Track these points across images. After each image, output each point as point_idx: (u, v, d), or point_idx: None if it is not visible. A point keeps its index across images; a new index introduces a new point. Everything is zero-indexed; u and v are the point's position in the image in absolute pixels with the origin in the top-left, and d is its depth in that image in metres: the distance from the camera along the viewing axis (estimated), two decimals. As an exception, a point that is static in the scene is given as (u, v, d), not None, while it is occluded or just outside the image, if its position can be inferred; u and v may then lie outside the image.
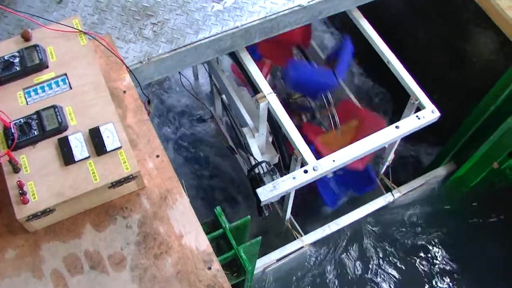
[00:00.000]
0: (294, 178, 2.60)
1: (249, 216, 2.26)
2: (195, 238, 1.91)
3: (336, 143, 3.18)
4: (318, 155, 2.79)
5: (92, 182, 1.82)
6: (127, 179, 1.87)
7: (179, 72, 3.76)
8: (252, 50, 3.00)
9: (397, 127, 2.75)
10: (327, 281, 3.76)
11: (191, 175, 4.26)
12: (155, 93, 4.57)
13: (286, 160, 3.43)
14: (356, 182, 3.68)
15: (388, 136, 2.74)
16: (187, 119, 4.58)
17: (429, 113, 2.79)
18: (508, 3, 2.88)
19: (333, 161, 2.64)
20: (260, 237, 2.22)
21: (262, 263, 3.54)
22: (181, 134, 4.52)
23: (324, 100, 3.46)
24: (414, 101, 2.85)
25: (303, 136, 2.77)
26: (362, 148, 2.69)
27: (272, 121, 3.21)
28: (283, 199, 3.46)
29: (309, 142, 2.83)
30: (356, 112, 3.50)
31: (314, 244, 3.73)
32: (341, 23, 4.53)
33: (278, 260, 3.60)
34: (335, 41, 4.84)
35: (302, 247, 3.66)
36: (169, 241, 1.89)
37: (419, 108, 2.88)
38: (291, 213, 3.60)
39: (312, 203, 4.05)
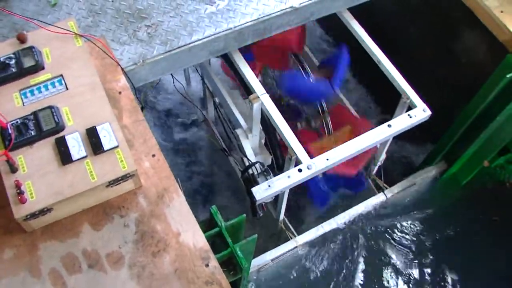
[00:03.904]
0: (288, 177, 2.62)
1: (244, 215, 2.28)
2: (192, 236, 1.93)
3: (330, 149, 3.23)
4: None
5: (90, 181, 1.83)
6: (124, 178, 1.89)
7: (172, 75, 3.78)
8: (244, 51, 3.02)
9: (389, 125, 2.79)
10: (321, 281, 3.77)
11: (184, 178, 4.27)
12: (146, 98, 4.59)
13: (279, 161, 3.45)
14: (346, 182, 3.70)
15: (380, 134, 2.77)
16: (179, 122, 4.60)
17: (421, 112, 2.83)
18: (496, 4, 2.94)
19: (327, 160, 2.67)
20: (256, 235, 2.24)
21: (256, 263, 3.56)
22: (173, 138, 4.54)
23: (318, 107, 3.49)
24: (405, 100, 2.89)
25: None
26: (355, 147, 2.73)
27: (265, 122, 3.23)
28: (276, 201, 3.49)
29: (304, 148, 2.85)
30: (349, 118, 3.52)
31: (308, 244, 3.75)
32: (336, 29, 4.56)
33: (272, 261, 3.62)
34: (328, 46, 4.88)
35: (296, 247, 3.68)
36: (167, 239, 1.91)
37: (410, 107, 2.92)
38: (284, 214, 3.62)
39: (304, 204, 4.07)
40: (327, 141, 3.48)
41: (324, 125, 3.54)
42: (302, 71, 3.54)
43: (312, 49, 4.00)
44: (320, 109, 3.51)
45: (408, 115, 2.83)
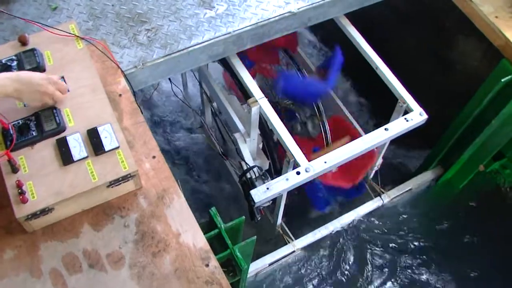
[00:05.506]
0: (287, 179, 2.64)
1: (243, 217, 2.29)
2: (193, 236, 1.94)
3: None
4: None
5: (91, 181, 1.85)
6: (125, 178, 1.90)
7: (170, 81, 3.80)
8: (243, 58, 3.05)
9: (386, 129, 2.81)
10: (318, 285, 3.78)
11: (181, 183, 4.27)
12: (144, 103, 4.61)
13: (277, 165, 3.47)
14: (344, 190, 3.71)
15: (377, 138, 2.80)
16: (176, 127, 4.62)
17: (417, 116, 2.85)
18: (491, 9, 2.98)
19: (325, 162, 2.69)
20: (255, 237, 2.25)
21: (254, 267, 3.57)
22: (170, 143, 4.55)
23: (315, 109, 3.51)
24: (402, 104, 2.92)
25: None
26: (352, 150, 2.75)
27: (263, 127, 3.25)
28: (273, 206, 3.50)
29: None
30: (348, 129, 3.53)
31: (305, 248, 3.77)
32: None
33: (270, 265, 3.63)
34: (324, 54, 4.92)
35: (293, 251, 3.69)
36: (167, 239, 1.92)
37: (407, 111, 2.95)
38: (282, 218, 3.63)
39: (301, 209, 4.09)
40: (325, 152, 3.49)
41: (323, 134, 3.56)
42: (297, 72, 3.56)
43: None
44: (317, 112, 3.52)
45: (405, 118, 2.85)
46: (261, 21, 2.66)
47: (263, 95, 2.90)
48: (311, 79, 3.49)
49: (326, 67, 3.42)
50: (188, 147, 4.51)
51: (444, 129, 3.73)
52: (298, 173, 2.66)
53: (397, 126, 2.83)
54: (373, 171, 3.78)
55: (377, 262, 3.91)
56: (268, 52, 3.58)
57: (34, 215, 1.81)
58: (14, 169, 1.84)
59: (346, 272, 3.86)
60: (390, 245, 3.97)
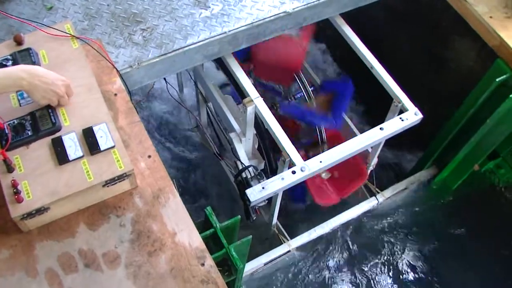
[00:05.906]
0: (282, 179, 2.64)
1: (239, 216, 2.30)
2: (188, 236, 1.94)
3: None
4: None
5: (86, 181, 1.85)
6: (121, 178, 1.90)
7: (165, 80, 3.80)
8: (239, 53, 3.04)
9: (381, 128, 2.82)
10: (313, 284, 3.79)
11: (176, 182, 4.27)
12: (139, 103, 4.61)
13: (272, 165, 3.47)
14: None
15: (373, 137, 2.80)
16: (171, 127, 4.62)
17: (412, 115, 2.86)
18: (486, 10, 3.00)
19: (320, 162, 2.69)
20: (251, 236, 2.25)
21: (250, 267, 3.57)
22: (165, 144, 4.55)
23: (318, 135, 3.53)
24: (397, 104, 2.93)
25: None
26: (348, 149, 2.76)
27: (259, 127, 3.26)
28: (269, 205, 3.50)
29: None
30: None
31: (301, 248, 3.77)
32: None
33: (265, 264, 3.64)
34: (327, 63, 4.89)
35: (289, 251, 3.70)
36: (163, 239, 1.92)
37: (402, 111, 2.95)
38: (277, 218, 3.64)
39: (297, 208, 4.10)
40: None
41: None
42: (302, 90, 3.54)
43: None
44: (319, 139, 3.54)
45: (400, 118, 2.86)
46: (256, 21, 2.66)
47: (258, 95, 2.90)
48: (314, 114, 3.47)
49: (333, 92, 3.43)
50: (183, 147, 4.51)
51: (439, 129, 3.74)
52: (293, 172, 2.66)
53: (392, 126, 2.84)
54: (368, 171, 3.78)
55: (372, 261, 3.92)
56: (276, 72, 3.55)
57: (30, 215, 1.81)
58: (10, 169, 1.84)
59: (341, 271, 3.87)
60: (385, 244, 3.98)
